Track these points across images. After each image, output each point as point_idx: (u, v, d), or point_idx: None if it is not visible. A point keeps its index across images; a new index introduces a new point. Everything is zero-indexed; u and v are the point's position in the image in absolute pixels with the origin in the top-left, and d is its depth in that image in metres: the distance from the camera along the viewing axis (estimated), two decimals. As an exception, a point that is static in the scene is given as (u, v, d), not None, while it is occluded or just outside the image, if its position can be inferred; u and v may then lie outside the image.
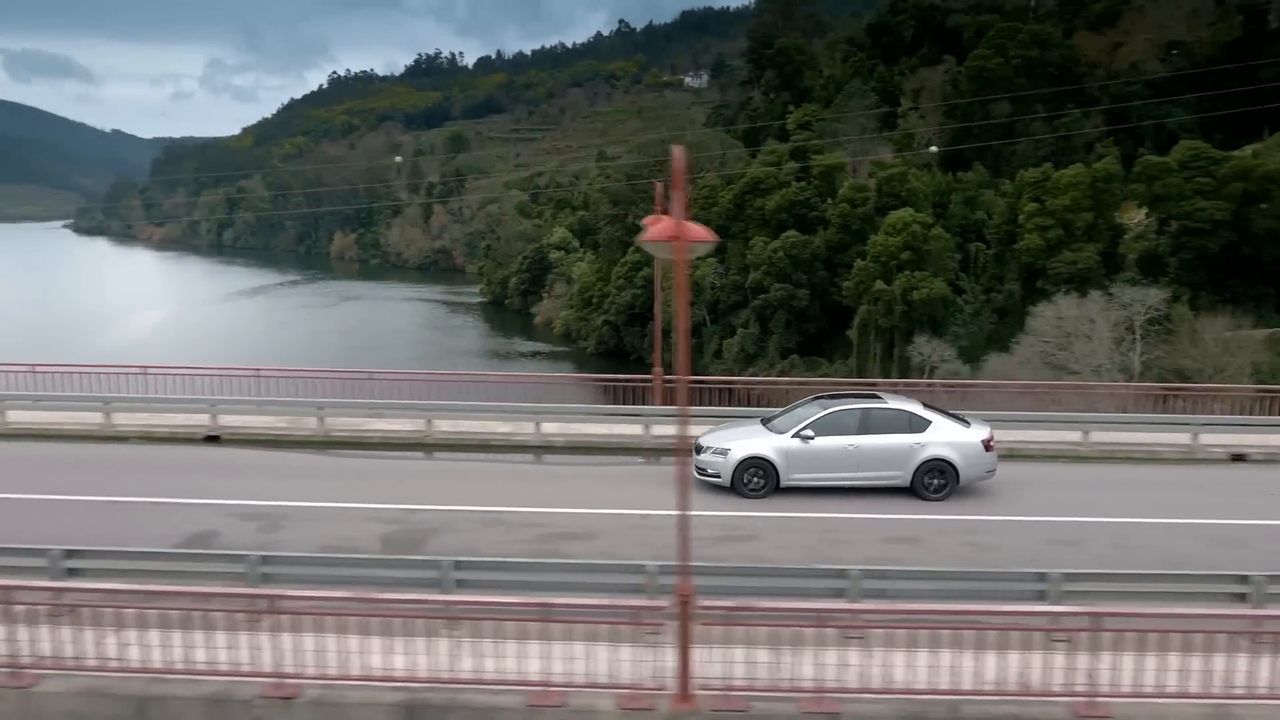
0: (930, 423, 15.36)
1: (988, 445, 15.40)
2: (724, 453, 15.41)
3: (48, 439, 18.14)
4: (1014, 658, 8.23)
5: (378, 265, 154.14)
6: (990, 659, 8.16)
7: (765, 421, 16.24)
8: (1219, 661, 8.12)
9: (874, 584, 9.50)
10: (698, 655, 8.10)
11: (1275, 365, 40.15)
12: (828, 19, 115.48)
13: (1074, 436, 17.53)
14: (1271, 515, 14.27)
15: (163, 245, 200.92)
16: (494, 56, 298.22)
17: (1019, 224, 65.20)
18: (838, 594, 9.47)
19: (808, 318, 75.07)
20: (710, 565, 10.05)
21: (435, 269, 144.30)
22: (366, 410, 18.30)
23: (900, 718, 8.02)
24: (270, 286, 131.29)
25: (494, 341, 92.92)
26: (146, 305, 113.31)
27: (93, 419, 18.35)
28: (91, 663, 8.56)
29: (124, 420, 18.42)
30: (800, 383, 26.19)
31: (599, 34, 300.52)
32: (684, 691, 7.84)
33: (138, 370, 19.55)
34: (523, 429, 17.95)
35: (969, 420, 15.89)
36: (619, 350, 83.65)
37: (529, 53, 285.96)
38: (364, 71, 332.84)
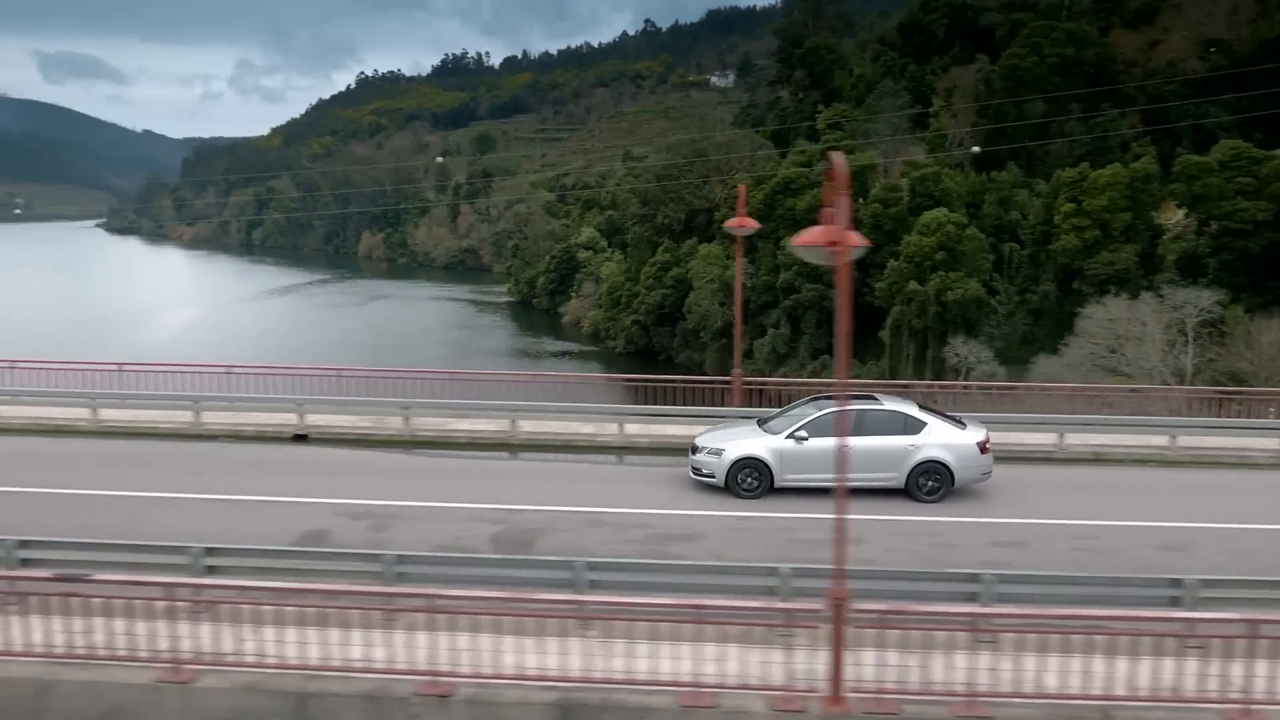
0: (925, 424, 15.37)
1: (983, 447, 15.41)
2: (718, 453, 15.54)
3: (139, 437, 18.52)
4: (1159, 664, 8.27)
5: (405, 264, 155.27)
6: (1137, 665, 8.22)
7: (762, 422, 16.35)
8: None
9: (1006, 588, 9.60)
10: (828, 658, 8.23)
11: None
12: (857, 18, 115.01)
13: (1160, 440, 17.44)
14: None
15: (193, 244, 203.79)
16: (520, 56, 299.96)
17: (1055, 224, 64.77)
18: (970, 598, 9.58)
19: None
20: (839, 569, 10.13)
21: (462, 268, 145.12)
22: (451, 411, 18.56)
23: (1050, 723, 8.09)
24: (300, 285, 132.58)
25: (523, 341, 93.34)
26: (179, 304, 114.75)
27: (183, 417, 18.71)
28: (250, 659, 8.79)
29: (212, 419, 18.79)
30: (882, 385, 25.92)
31: (624, 34, 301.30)
32: (835, 694, 7.97)
33: (222, 370, 19.94)
34: (606, 430, 18.15)
35: (965, 422, 15.94)
36: (648, 350, 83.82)
37: (555, 53, 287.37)
38: (391, 72, 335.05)
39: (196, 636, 9.11)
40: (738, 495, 15.25)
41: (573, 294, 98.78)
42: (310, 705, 8.58)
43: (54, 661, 8.96)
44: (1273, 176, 56.53)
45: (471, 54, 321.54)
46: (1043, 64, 76.26)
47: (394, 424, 18.43)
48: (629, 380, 19.93)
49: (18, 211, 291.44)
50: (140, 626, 9.00)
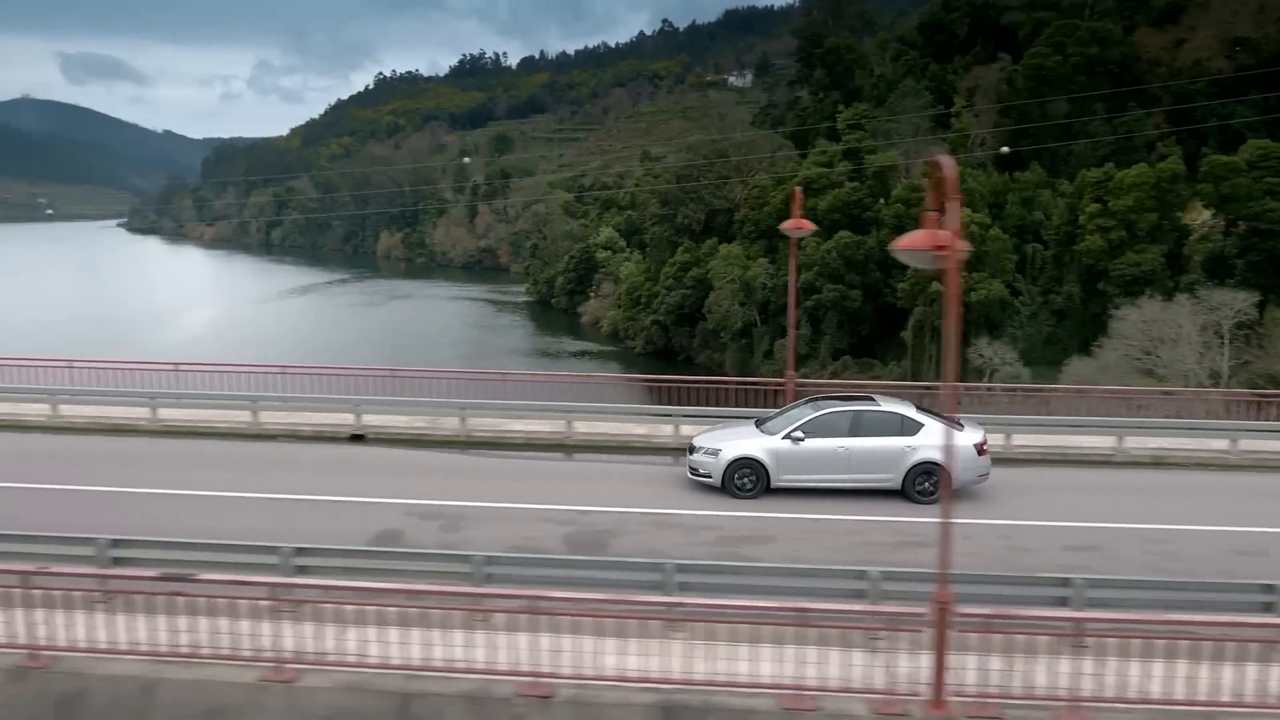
0: (922, 426, 15.36)
1: (980, 449, 15.39)
2: (715, 453, 15.63)
3: (198, 436, 18.73)
4: (1265, 670, 8.27)
5: (423, 264, 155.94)
6: (1241, 670, 8.22)
7: (760, 423, 16.42)
8: None
9: (1097, 593, 9.61)
10: (928, 661, 8.28)
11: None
12: (876, 17, 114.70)
13: (1221, 444, 17.34)
14: None
15: (213, 244, 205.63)
16: (537, 57, 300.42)
17: (1080, 225, 64.41)
18: (1060, 602, 9.60)
19: (860, 319, 74.76)
20: (919, 572, 10.17)
21: (480, 268, 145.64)
22: (507, 412, 18.68)
23: (1152, 728, 8.09)
24: (319, 285, 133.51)
25: (543, 340, 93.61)
26: (201, 303, 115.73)
27: (240, 417, 18.90)
28: (351, 659, 8.90)
29: (269, 419, 18.98)
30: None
31: (642, 34, 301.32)
32: (938, 698, 8.02)
33: (277, 370, 20.13)
34: (660, 431, 18.24)
35: (963, 423, 15.93)
36: (668, 350, 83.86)
37: (572, 53, 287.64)
38: (409, 72, 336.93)
39: (296, 636, 9.20)
40: (734, 495, 15.37)
41: (591, 294, 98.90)
42: (413, 705, 8.69)
43: (159, 660, 9.10)
44: (1303, 176, 56.11)
45: (489, 54, 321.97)
46: (1066, 63, 75.82)
47: (449, 424, 18.56)
48: (681, 382, 19.95)
49: (49, 212, 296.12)
50: (240, 626, 9.14)
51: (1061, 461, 16.00)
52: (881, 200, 74.83)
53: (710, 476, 15.59)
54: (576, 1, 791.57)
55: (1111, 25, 77.52)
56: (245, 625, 9.12)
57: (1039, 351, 64.43)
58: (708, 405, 18.75)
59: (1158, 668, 8.17)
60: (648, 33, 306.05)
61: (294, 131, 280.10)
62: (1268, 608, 9.63)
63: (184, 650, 9.03)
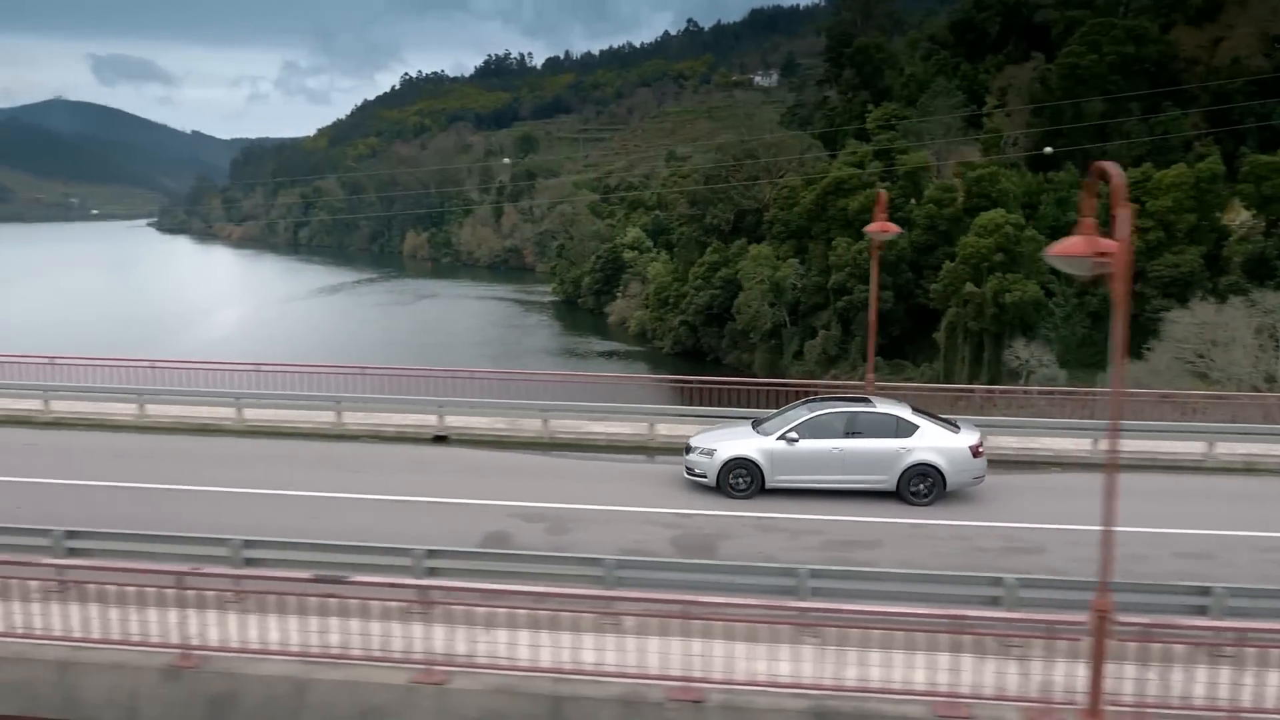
0: (918, 427, 15.44)
1: (976, 451, 15.41)
2: (710, 453, 15.77)
3: (283, 436, 18.94)
4: None
5: (449, 264, 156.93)
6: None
7: (757, 423, 16.52)
8: None
9: (1236, 602, 9.60)
10: (1081, 670, 8.31)
11: None
12: (904, 16, 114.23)
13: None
14: None
15: (241, 243, 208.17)
16: (562, 57, 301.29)
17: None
18: (1199, 611, 9.60)
19: (891, 320, 74.46)
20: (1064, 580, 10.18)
21: (505, 268, 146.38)
22: (589, 414, 18.79)
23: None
24: (347, 284, 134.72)
25: (570, 340, 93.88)
26: (232, 301, 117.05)
27: (324, 418, 19.10)
28: (503, 661, 9.01)
29: (352, 419, 19.18)
30: (1016, 391, 25.46)
31: (666, 33, 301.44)
32: (1094, 707, 8.03)
33: (356, 370, 20.38)
34: (742, 435, 18.24)
35: (959, 425, 15.96)
36: (696, 351, 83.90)
37: (597, 53, 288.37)
38: (435, 73, 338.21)
39: (439, 638, 9.29)
40: (729, 495, 15.48)
41: (618, 294, 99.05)
42: (566, 708, 8.78)
43: (309, 660, 9.26)
44: (1347, 177, 55.38)
45: (514, 55, 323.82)
46: (1102, 62, 75.14)
47: (531, 426, 18.68)
48: (756, 384, 19.96)
49: (95, 212, 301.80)
50: (391, 628, 9.27)
51: (1151, 467, 15.93)
52: (913, 200, 74.49)
53: (705, 476, 15.76)
54: (601, 2, 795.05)
55: (1148, 23, 76.77)
56: (396, 627, 9.24)
57: (1073, 353, 63.90)
58: (774, 409, 18.71)
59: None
60: (672, 32, 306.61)
61: (321, 132, 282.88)
62: None
63: (334, 651, 9.17)
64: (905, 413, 15.70)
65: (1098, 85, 74.36)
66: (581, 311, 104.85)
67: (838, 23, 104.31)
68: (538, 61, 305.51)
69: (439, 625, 9.44)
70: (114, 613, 9.55)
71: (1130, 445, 16.72)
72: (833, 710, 8.51)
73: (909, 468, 15.18)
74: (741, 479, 15.49)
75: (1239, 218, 63.08)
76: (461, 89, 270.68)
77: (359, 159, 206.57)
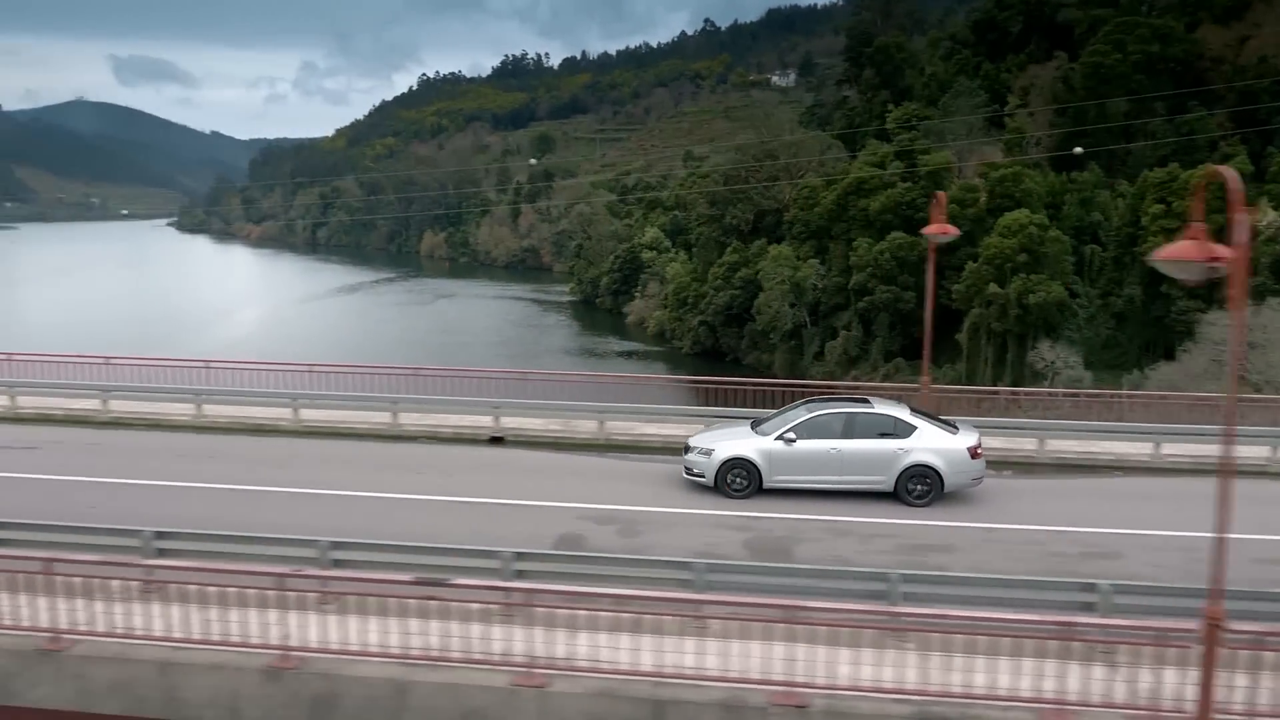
0: (915, 428, 15.48)
1: (974, 452, 15.41)
2: (708, 453, 15.90)
3: (340, 437, 19.06)
4: None
5: (466, 264, 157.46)
6: None
7: (756, 424, 16.61)
8: None
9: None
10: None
11: None
12: (923, 15, 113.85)
13: None
14: None
15: (260, 243, 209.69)
16: (579, 57, 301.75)
17: (1142, 226, 63.41)
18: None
19: (913, 320, 74.19)
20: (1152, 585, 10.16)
21: (523, 268, 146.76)
22: (644, 415, 18.83)
23: None
24: (366, 284, 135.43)
25: (590, 340, 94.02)
26: (253, 300, 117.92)
27: (380, 418, 19.22)
28: (605, 665, 9.06)
29: (408, 420, 19.27)
30: (1090, 394, 25.20)
31: (683, 33, 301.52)
32: (1204, 716, 8.03)
33: (409, 371, 20.50)
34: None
35: (958, 426, 15.99)
36: (715, 351, 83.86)
37: (613, 53, 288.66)
38: (452, 73, 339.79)
39: (535, 640, 9.32)
40: (727, 495, 15.56)
41: (637, 294, 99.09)
42: (667, 712, 8.83)
43: (408, 663, 9.34)
44: (1378, 177, 54.83)
45: (530, 55, 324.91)
46: (1126, 61, 74.64)
47: (586, 428, 18.75)
48: (814, 386, 19.97)
49: (125, 212, 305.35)
50: (480, 630, 9.35)
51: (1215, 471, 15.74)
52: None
53: (703, 476, 15.88)
54: (617, 2, 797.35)
55: (1173, 22, 76.23)
56: (491, 630, 9.32)
57: (1097, 355, 63.60)
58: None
59: None
60: (689, 32, 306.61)
61: (339, 132, 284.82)
62: None
63: (434, 653, 9.24)
64: (903, 414, 15.80)
65: (1122, 85, 73.88)
66: (599, 311, 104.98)
67: (857, 22, 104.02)
68: (554, 62, 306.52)
69: (534, 628, 9.47)
70: (213, 613, 9.68)
71: (1194, 450, 16.66)
72: (937, 716, 8.53)
73: (906, 469, 15.27)
74: (739, 479, 15.62)
75: (1266, 218, 62.48)
76: (478, 89, 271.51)
77: (377, 159, 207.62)
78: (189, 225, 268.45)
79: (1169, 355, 50.17)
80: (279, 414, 19.60)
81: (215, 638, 9.61)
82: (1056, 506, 15.33)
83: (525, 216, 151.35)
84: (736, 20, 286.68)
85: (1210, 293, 58.06)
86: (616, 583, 10.39)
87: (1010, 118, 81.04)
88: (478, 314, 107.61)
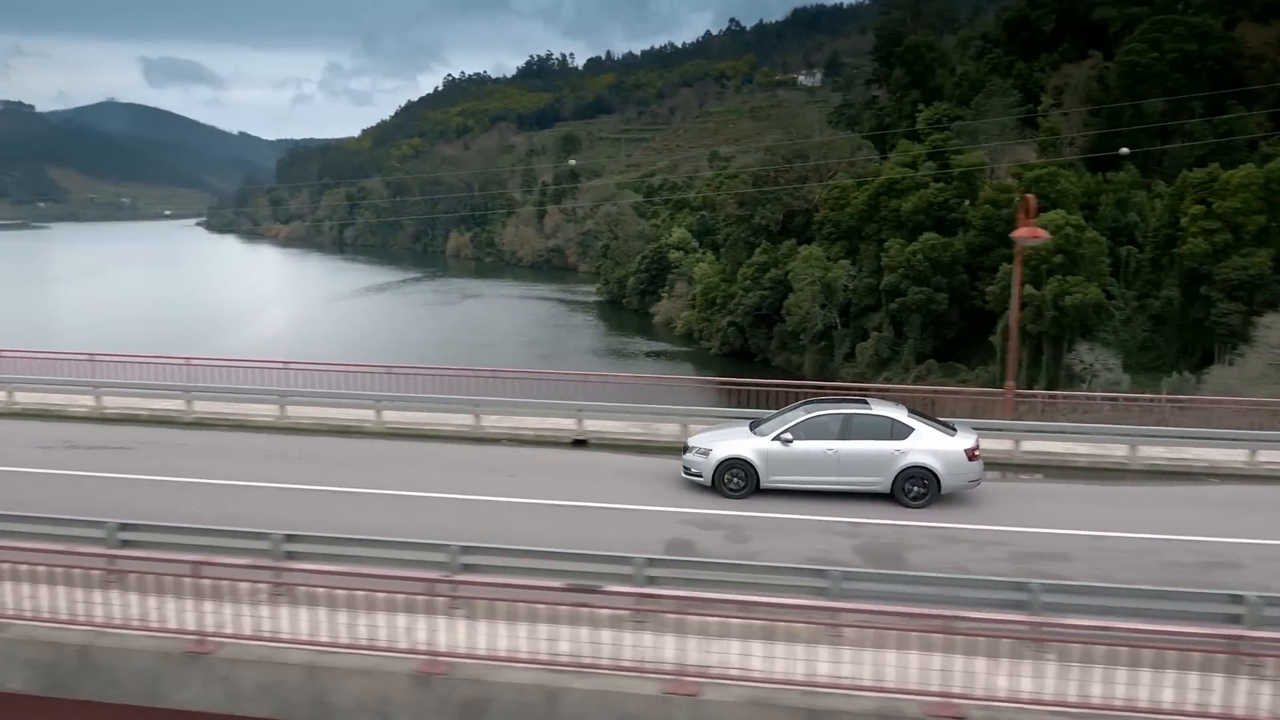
0: (913, 430, 15.47)
1: (971, 454, 15.39)
2: (706, 453, 15.97)
3: (424, 439, 19.16)
4: None
5: (492, 263, 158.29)
6: None
7: (754, 424, 16.68)
8: None
9: None
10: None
11: None
12: (954, 14, 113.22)
13: None
14: None
15: (288, 242, 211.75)
16: (603, 57, 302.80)
17: (1181, 227, 62.76)
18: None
19: (945, 322, 73.82)
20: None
21: (549, 268, 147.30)
22: (724, 417, 18.85)
23: None
24: (393, 283, 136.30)
25: (617, 340, 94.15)
26: (281, 299, 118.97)
27: (463, 420, 19.34)
28: (757, 673, 9.10)
29: (490, 423, 19.36)
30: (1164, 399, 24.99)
31: (708, 33, 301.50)
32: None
33: (489, 374, 20.64)
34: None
35: (955, 428, 15.97)
36: (744, 352, 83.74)
37: (638, 53, 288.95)
38: (477, 74, 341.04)
39: (676, 647, 9.33)
40: (725, 495, 15.65)
41: (664, 294, 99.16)
42: (823, 720, 8.87)
43: (557, 669, 9.42)
44: None
45: (555, 55, 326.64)
46: (1163, 60, 73.86)
47: (668, 430, 18.80)
48: (903, 391, 19.97)
49: (167, 212, 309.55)
50: (624, 637, 9.41)
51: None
52: (967, 201, 73.77)
53: (701, 476, 15.97)
54: (642, 2, 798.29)
55: (1211, 20, 75.36)
56: (631, 636, 9.36)
57: (1134, 357, 62.98)
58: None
59: None
60: (714, 32, 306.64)
61: (365, 133, 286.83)
62: None
63: (585, 660, 9.32)
64: (901, 415, 15.81)
65: (1159, 84, 73.13)
66: (626, 312, 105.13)
67: (887, 21, 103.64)
68: (579, 62, 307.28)
69: (672, 634, 9.49)
70: (348, 616, 9.78)
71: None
72: (1099, 727, 8.53)
73: (903, 470, 15.31)
74: (736, 479, 15.72)
75: (1309, 219, 61.67)
76: (503, 90, 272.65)
77: (403, 159, 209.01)
78: (217, 225, 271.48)
79: (1208, 358, 49.52)
80: (362, 415, 19.75)
81: (362, 641, 9.72)
82: (1158, 514, 15.21)
83: (550, 217, 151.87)
84: (761, 20, 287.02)
85: (1250, 294, 57.48)
86: (753, 590, 10.39)
87: (1044, 117, 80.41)
88: (504, 314, 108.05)
